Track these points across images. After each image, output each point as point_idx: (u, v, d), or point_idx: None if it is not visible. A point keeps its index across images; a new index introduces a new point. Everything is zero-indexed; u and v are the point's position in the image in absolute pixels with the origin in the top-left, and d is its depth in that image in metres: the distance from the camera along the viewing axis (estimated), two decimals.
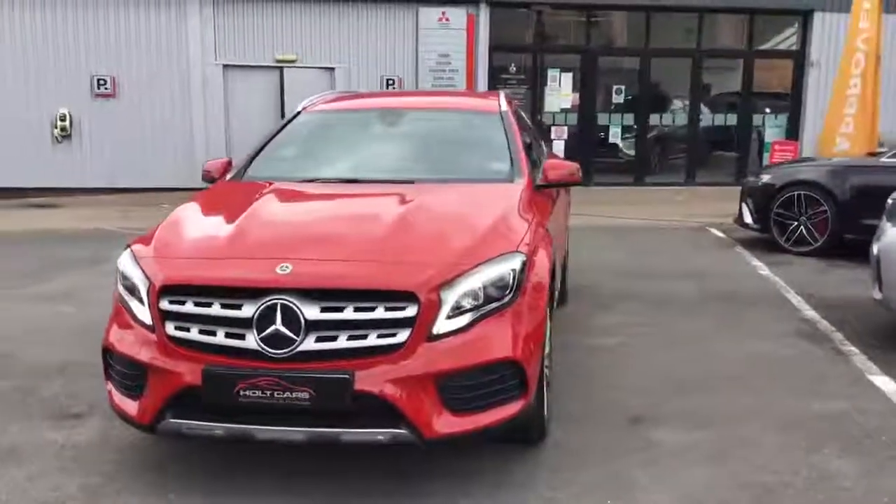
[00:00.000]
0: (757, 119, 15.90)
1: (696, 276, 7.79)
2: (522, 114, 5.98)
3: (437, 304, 3.30)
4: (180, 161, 13.94)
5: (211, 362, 3.29)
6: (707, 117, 15.97)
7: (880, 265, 5.55)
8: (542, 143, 6.53)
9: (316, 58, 14.56)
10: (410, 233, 3.70)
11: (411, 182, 4.44)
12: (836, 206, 8.66)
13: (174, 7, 14.11)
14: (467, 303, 3.37)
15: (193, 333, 3.35)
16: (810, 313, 6.45)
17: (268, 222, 3.91)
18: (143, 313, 3.48)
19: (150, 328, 3.44)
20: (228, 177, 4.87)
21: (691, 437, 4.10)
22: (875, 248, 5.69)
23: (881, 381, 4.91)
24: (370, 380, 3.23)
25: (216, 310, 3.32)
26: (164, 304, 3.40)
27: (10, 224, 11.13)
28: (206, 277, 3.43)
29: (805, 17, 15.37)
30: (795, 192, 8.91)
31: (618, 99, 15.77)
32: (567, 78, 15.43)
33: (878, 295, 5.64)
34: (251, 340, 3.25)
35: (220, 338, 3.30)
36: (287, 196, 4.35)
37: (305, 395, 3.20)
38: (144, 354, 3.43)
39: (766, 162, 14.45)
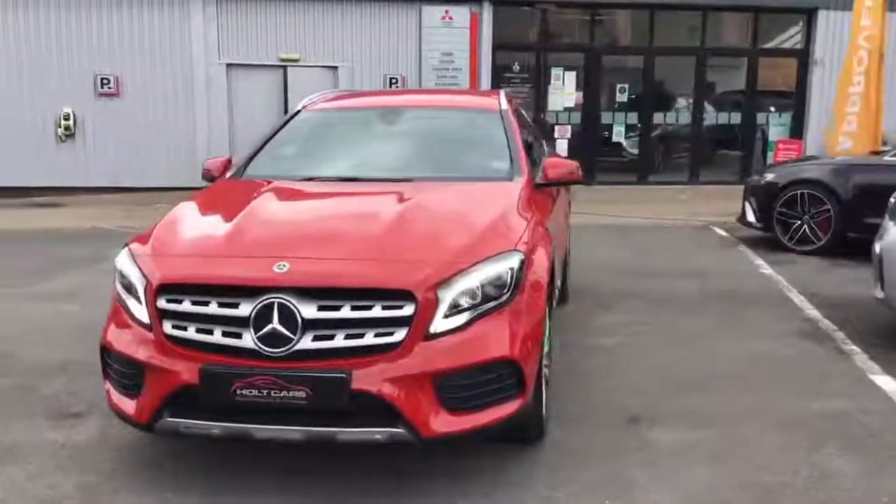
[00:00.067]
0: (761, 118, 15.85)
1: (699, 275, 7.77)
2: (523, 112, 5.97)
3: (435, 303, 3.29)
4: (183, 160, 13.94)
5: (208, 361, 3.28)
6: (711, 116, 15.94)
7: (882, 264, 5.53)
8: (543, 141, 6.52)
9: (319, 57, 14.56)
10: (408, 231, 3.69)
11: (410, 181, 4.43)
12: (840, 204, 8.63)
13: (178, 6, 14.12)
14: (465, 301, 3.36)
15: (190, 332, 3.34)
16: (812, 312, 6.43)
17: (265, 221, 3.91)
18: (141, 312, 3.47)
19: (148, 327, 3.43)
20: (228, 175, 4.87)
21: (691, 437, 4.09)
22: (877, 247, 5.67)
23: (883, 380, 4.89)
24: (367, 379, 3.22)
25: (213, 308, 3.32)
26: (162, 303, 3.39)
27: (13, 223, 11.14)
28: (203, 276, 3.43)
29: (809, 16, 15.32)
30: (798, 191, 8.88)
31: (621, 98, 15.72)
32: (570, 76, 15.39)
33: (880, 294, 5.62)
34: (248, 339, 3.24)
35: (217, 336, 3.30)
36: (285, 195, 4.34)
37: (302, 395, 3.20)
38: (142, 353, 3.43)
39: (770, 161, 14.41)
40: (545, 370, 3.96)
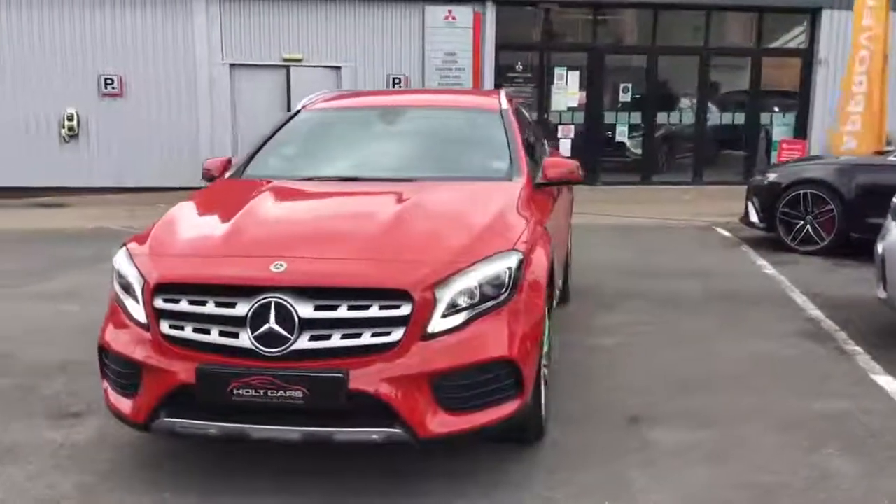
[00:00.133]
0: (765, 117, 15.80)
1: (701, 276, 7.75)
2: (524, 112, 5.95)
3: (432, 303, 3.28)
4: (186, 160, 13.92)
5: (205, 361, 3.28)
6: (715, 116, 15.90)
7: (885, 264, 5.50)
8: (545, 141, 6.50)
9: (322, 57, 14.57)
10: (406, 231, 3.68)
11: (409, 180, 4.42)
12: (843, 204, 8.60)
13: (181, 7, 14.13)
14: (463, 301, 3.35)
15: (188, 332, 3.33)
16: (815, 312, 6.41)
17: (263, 221, 3.89)
18: (138, 312, 3.47)
19: (145, 327, 3.43)
20: (227, 175, 4.87)
21: (691, 437, 4.07)
22: (880, 247, 5.65)
23: (884, 380, 4.87)
24: (364, 379, 3.21)
25: (210, 308, 3.31)
26: (159, 303, 3.39)
27: (17, 223, 11.16)
28: (200, 276, 3.42)
29: (813, 15, 15.27)
30: (801, 191, 8.85)
31: (625, 97, 15.69)
32: (574, 76, 15.37)
33: (882, 294, 5.60)
34: (245, 339, 3.24)
35: (214, 336, 3.29)
36: (284, 194, 4.33)
37: (299, 394, 3.19)
38: (139, 353, 3.42)
39: (774, 161, 14.38)
40: (544, 370, 3.94)
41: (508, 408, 3.42)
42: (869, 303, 6.25)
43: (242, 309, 3.25)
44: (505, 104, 5.26)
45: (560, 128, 15.24)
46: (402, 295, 3.25)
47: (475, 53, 14.67)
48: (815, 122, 15.25)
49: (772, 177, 9.30)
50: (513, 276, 3.47)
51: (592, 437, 4.06)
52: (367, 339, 3.24)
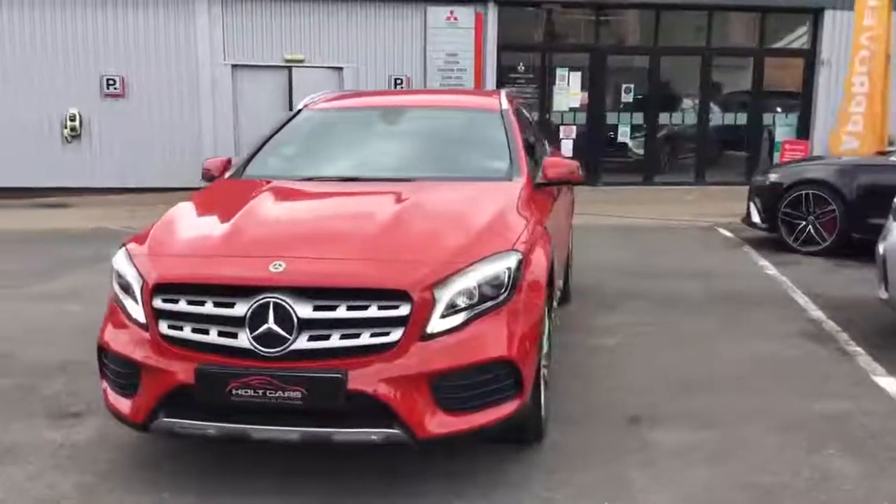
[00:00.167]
0: (767, 118, 15.79)
1: (703, 276, 7.74)
2: (524, 112, 5.94)
3: (431, 303, 3.27)
4: (189, 161, 13.90)
5: (204, 361, 3.27)
6: (717, 116, 15.87)
7: (886, 265, 5.49)
8: (545, 141, 6.50)
9: (324, 57, 14.57)
10: (405, 231, 3.67)
11: (409, 180, 4.42)
12: (845, 205, 8.59)
13: (183, 7, 14.15)
14: (462, 301, 3.34)
15: (186, 332, 3.33)
16: (816, 313, 6.39)
17: (263, 221, 3.89)
18: (137, 312, 3.47)
19: (144, 327, 3.43)
20: (227, 175, 4.86)
21: (692, 438, 4.06)
22: (881, 248, 5.64)
23: (886, 381, 4.86)
24: (363, 379, 3.20)
25: (209, 308, 3.31)
26: (158, 303, 3.39)
27: (19, 223, 11.18)
28: (199, 276, 3.42)
29: (816, 16, 15.25)
30: (803, 192, 8.83)
31: (627, 98, 15.67)
32: (576, 77, 15.36)
33: (883, 294, 5.59)
34: (244, 339, 3.23)
35: (212, 336, 3.29)
36: (284, 194, 4.33)
37: (298, 395, 3.19)
38: (138, 353, 3.42)
39: (776, 161, 14.36)
40: (544, 370, 3.93)
41: (507, 408, 3.41)
42: (870, 303, 6.23)
43: (241, 309, 3.25)
44: (505, 104, 5.26)
45: (562, 128, 15.24)
46: (401, 295, 3.24)
47: (477, 54, 14.67)
48: (818, 122, 15.23)
49: (774, 177, 9.29)
50: (512, 276, 3.47)
51: (592, 438, 4.05)
52: (365, 339, 3.23)
